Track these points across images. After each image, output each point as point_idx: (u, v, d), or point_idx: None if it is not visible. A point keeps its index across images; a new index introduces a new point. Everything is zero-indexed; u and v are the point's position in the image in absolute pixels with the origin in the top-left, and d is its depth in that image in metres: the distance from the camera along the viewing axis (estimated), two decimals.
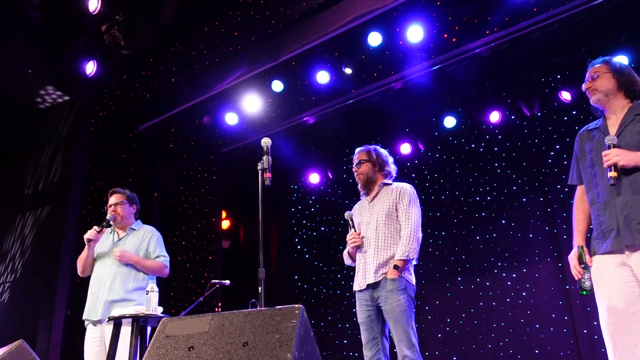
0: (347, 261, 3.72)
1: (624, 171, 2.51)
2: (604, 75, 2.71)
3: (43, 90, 6.31)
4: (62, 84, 6.19)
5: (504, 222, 6.34)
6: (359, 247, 3.55)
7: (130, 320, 3.41)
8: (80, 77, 6.06)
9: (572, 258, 2.71)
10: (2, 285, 5.97)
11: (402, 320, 3.25)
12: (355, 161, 3.71)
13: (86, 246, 3.94)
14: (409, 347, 3.22)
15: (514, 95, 6.37)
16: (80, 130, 6.16)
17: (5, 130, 6.31)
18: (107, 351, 3.55)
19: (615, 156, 2.50)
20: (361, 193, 3.73)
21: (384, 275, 3.37)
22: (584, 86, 2.78)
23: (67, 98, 6.37)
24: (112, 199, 4.07)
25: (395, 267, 3.34)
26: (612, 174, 2.50)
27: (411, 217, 3.47)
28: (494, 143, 6.58)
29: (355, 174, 3.69)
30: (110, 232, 4.11)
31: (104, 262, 3.94)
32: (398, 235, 3.46)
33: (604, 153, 2.55)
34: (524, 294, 6.02)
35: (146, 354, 2.07)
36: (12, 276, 5.94)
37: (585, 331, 5.54)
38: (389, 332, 3.42)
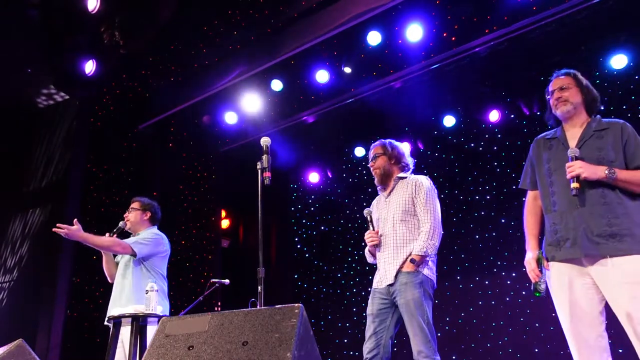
0: (370, 259, 3.59)
1: (585, 183, 2.57)
2: (574, 89, 2.78)
3: (42, 89, 6.30)
4: (61, 83, 6.20)
5: (503, 220, 6.33)
6: (377, 245, 3.44)
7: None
8: (79, 76, 6.07)
9: (531, 262, 2.79)
10: (1, 285, 5.97)
11: (417, 314, 3.15)
12: (370, 156, 3.62)
13: (102, 252, 4.06)
14: (424, 342, 3.11)
15: (514, 94, 6.36)
16: (79, 129, 6.17)
17: (5, 129, 6.31)
18: (125, 351, 3.64)
19: (578, 168, 2.56)
20: (378, 188, 3.62)
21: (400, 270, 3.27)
22: (555, 94, 2.79)
23: (66, 97, 6.37)
24: (131, 207, 4.22)
25: (412, 260, 3.23)
26: (575, 185, 2.56)
27: (430, 211, 3.36)
28: (493, 142, 6.57)
29: (372, 168, 3.59)
30: None
31: (119, 267, 4.09)
32: (417, 231, 3.35)
33: (567, 165, 2.61)
34: (524, 292, 6.01)
35: (146, 353, 2.08)
36: (12, 276, 5.94)
37: None
38: (396, 332, 3.32)
